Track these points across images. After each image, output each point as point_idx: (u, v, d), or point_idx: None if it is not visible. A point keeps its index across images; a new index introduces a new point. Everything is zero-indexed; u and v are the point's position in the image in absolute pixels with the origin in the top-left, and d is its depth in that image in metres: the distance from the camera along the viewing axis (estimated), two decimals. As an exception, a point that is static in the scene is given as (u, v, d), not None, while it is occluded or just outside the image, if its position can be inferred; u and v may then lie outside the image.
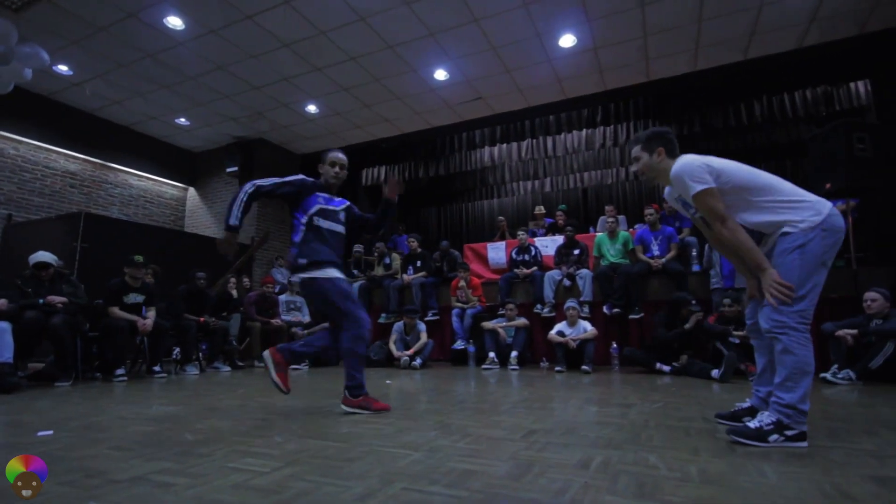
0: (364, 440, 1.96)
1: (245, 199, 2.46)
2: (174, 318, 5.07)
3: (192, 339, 5.13)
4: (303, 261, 2.55)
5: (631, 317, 5.30)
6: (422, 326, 5.69)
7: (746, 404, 2.20)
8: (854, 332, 3.89)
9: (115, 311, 4.48)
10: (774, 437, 1.79)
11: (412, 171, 9.04)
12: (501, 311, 5.68)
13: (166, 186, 9.15)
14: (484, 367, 5.28)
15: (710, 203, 1.94)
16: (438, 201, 11.68)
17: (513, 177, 10.14)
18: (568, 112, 7.63)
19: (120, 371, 4.34)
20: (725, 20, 5.49)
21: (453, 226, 11.56)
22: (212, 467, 1.58)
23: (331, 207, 2.72)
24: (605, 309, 5.43)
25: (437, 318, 6.30)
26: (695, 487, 1.36)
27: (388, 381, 4.20)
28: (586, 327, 4.98)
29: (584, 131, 7.77)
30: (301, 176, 2.68)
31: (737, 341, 4.19)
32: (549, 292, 5.75)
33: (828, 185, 4.65)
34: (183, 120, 8.00)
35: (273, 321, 6.07)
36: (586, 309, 5.46)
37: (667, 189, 2.26)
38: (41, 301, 4.07)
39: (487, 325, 5.53)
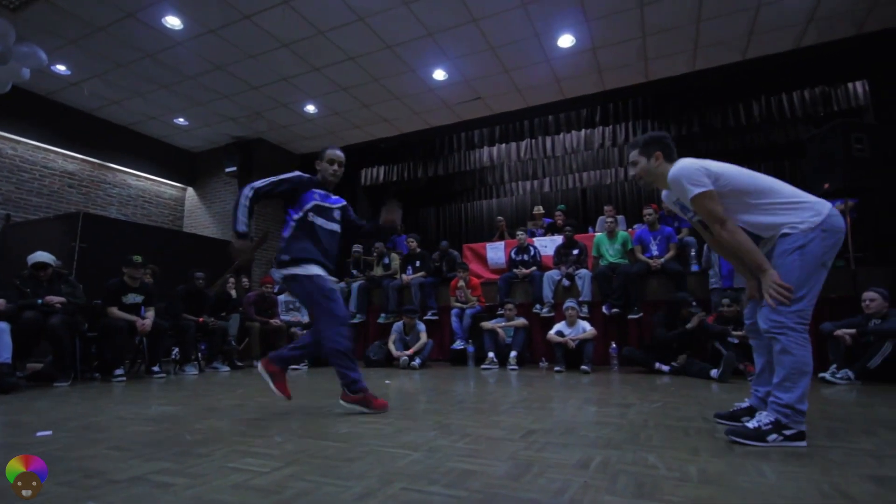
0: (363, 440, 1.96)
1: (247, 203, 2.46)
2: (173, 319, 5.06)
3: (190, 340, 5.12)
4: (285, 257, 2.55)
5: (630, 317, 5.30)
6: (421, 326, 5.69)
7: (745, 404, 2.20)
8: (852, 331, 3.90)
9: (114, 311, 4.47)
10: (773, 436, 1.80)
11: (411, 171, 9.04)
12: (500, 311, 5.68)
13: (165, 186, 9.13)
14: (483, 367, 5.28)
15: (708, 206, 1.94)
16: (437, 201, 11.68)
17: (512, 177, 10.14)
18: (567, 112, 7.64)
19: (119, 371, 4.33)
20: (724, 21, 5.50)
21: (452, 226, 11.56)
22: (211, 467, 1.58)
23: (327, 205, 2.72)
24: (604, 309, 5.44)
25: (435, 318, 6.30)
26: (694, 487, 1.37)
27: (387, 381, 4.20)
28: (585, 327, 4.98)
29: (582, 131, 7.77)
30: (297, 172, 2.68)
31: (735, 341, 4.19)
32: (548, 292, 5.75)
33: (826, 186, 4.66)
34: (181, 120, 7.99)
35: (272, 321, 6.07)
36: (585, 309, 5.46)
37: (664, 193, 2.26)
38: (40, 301, 4.07)
39: (486, 325, 5.53)
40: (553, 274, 5.83)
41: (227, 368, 5.45)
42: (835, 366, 3.89)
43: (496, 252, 6.99)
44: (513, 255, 6.31)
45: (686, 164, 2.00)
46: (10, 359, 3.66)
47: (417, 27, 5.57)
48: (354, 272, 7.17)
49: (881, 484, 1.39)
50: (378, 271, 7.07)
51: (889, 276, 4.56)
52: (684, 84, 6.74)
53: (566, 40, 5.85)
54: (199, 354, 5.39)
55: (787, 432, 1.80)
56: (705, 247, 5.23)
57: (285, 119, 7.95)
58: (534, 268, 6.05)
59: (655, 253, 5.51)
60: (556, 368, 4.91)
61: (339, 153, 2.79)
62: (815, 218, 1.86)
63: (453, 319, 5.92)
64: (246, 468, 1.57)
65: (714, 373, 4.00)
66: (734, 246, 1.95)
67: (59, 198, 7.40)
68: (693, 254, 5.57)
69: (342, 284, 6.81)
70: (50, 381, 4.02)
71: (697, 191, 1.93)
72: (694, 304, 4.57)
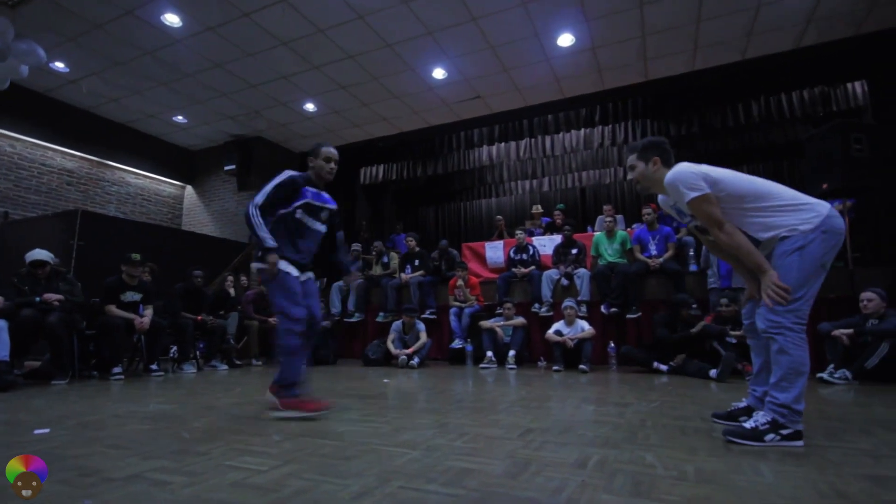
0: (361, 439, 1.96)
1: (260, 220, 2.48)
2: (171, 317, 5.05)
3: (189, 338, 5.12)
4: (258, 252, 2.56)
5: (628, 316, 5.31)
6: (421, 326, 5.69)
7: (743, 404, 2.21)
8: (850, 331, 3.90)
9: (112, 309, 4.47)
10: (770, 436, 1.80)
11: (410, 169, 9.03)
12: (499, 311, 5.68)
13: (164, 184, 9.12)
14: (482, 366, 5.28)
15: (705, 209, 1.95)
16: (436, 200, 11.68)
17: (511, 176, 10.14)
18: (566, 111, 7.63)
19: (117, 369, 4.32)
20: (723, 20, 5.50)
21: (451, 225, 11.56)
22: (209, 466, 1.58)
23: (318, 203, 2.70)
24: (602, 308, 5.44)
25: (434, 317, 6.30)
26: (691, 486, 1.37)
27: (385, 381, 4.20)
28: (584, 326, 4.99)
29: (582, 131, 7.77)
30: (288, 174, 2.63)
31: (734, 341, 4.20)
32: (546, 291, 5.75)
33: (824, 186, 4.67)
34: (180, 118, 7.98)
35: (271, 319, 6.06)
36: (584, 308, 5.46)
37: (661, 197, 2.26)
38: (37, 299, 4.06)
39: (485, 324, 5.53)
40: (552, 273, 5.83)
41: (226, 367, 5.45)
42: (832, 366, 3.90)
43: (495, 251, 6.99)
44: (512, 254, 6.31)
45: (683, 168, 2.00)
46: (8, 356, 3.65)
47: (417, 26, 5.56)
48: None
49: (878, 483, 1.39)
50: (377, 270, 7.07)
51: (887, 277, 4.57)
52: (684, 84, 6.74)
53: (566, 39, 5.85)
54: (198, 353, 5.39)
55: (784, 432, 1.80)
56: (704, 247, 5.24)
57: (284, 117, 7.94)
58: (532, 267, 6.05)
59: (654, 252, 5.51)
60: (555, 368, 4.91)
61: (335, 151, 2.79)
62: (815, 219, 1.86)
63: (452, 318, 5.92)
64: (244, 466, 1.57)
65: (713, 373, 4.01)
66: (733, 248, 1.95)
67: (57, 195, 7.38)
68: (692, 253, 5.57)
69: (353, 284, 6.80)
70: (48, 379, 4.01)
71: (694, 194, 1.93)
72: (694, 305, 4.58)
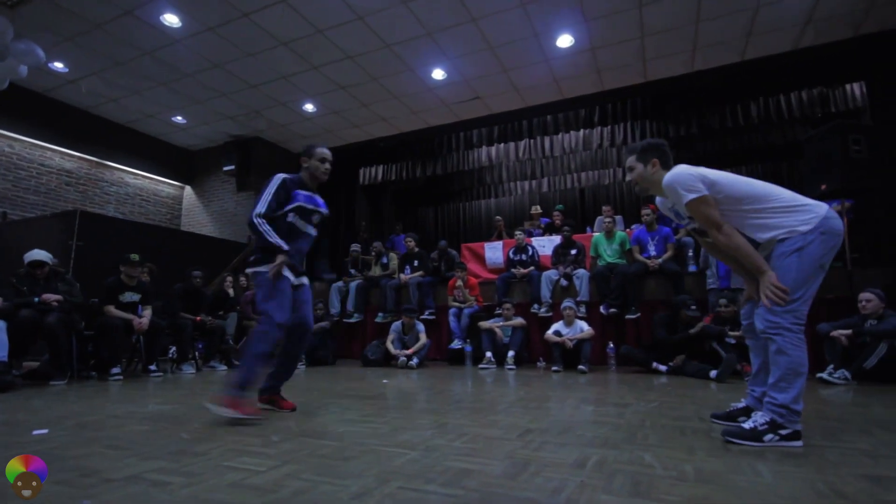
0: (360, 439, 1.96)
1: (267, 226, 2.49)
2: (170, 317, 5.04)
3: (188, 338, 5.11)
4: (251, 258, 2.56)
5: (628, 317, 5.31)
6: (420, 326, 5.69)
7: (741, 404, 2.21)
8: (848, 332, 3.91)
9: (111, 309, 4.46)
10: (769, 436, 1.81)
11: (409, 170, 9.03)
12: (498, 311, 5.68)
13: (163, 185, 9.12)
14: (481, 366, 5.28)
15: (703, 211, 1.95)
16: (436, 201, 11.69)
17: (510, 177, 10.15)
18: (565, 112, 7.64)
19: (115, 370, 4.31)
20: (722, 21, 5.51)
21: (450, 225, 11.57)
22: (208, 466, 1.58)
23: (310, 207, 2.67)
24: (601, 309, 5.44)
25: (433, 317, 6.30)
26: (690, 486, 1.37)
27: (384, 381, 4.20)
28: (583, 327, 4.99)
29: (581, 131, 7.78)
30: (281, 177, 2.62)
31: (733, 342, 4.20)
32: (546, 292, 5.75)
33: (823, 187, 4.68)
34: (180, 118, 7.98)
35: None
36: (583, 309, 5.46)
37: (659, 199, 2.27)
38: (36, 299, 4.05)
39: (484, 324, 5.53)
40: (551, 274, 5.84)
41: (225, 367, 5.44)
42: (832, 366, 3.91)
43: (494, 252, 7.00)
44: (511, 254, 6.32)
45: (681, 170, 2.00)
46: (7, 357, 3.64)
47: (416, 26, 5.57)
48: (352, 271, 7.17)
49: (876, 483, 1.40)
50: (376, 271, 7.06)
51: (885, 277, 4.58)
52: (683, 84, 6.74)
53: (565, 40, 5.86)
54: (197, 353, 5.38)
55: (783, 432, 1.81)
56: (703, 247, 5.24)
57: (284, 118, 7.93)
58: (532, 267, 6.05)
59: (653, 253, 5.52)
60: (554, 368, 4.91)
61: (328, 151, 2.79)
62: (813, 220, 1.87)
63: (451, 319, 5.92)
64: (242, 467, 1.57)
65: (713, 373, 4.01)
66: (732, 249, 1.95)
67: (56, 196, 7.38)
68: (690, 254, 5.57)
69: (352, 284, 6.81)
70: (46, 379, 4.00)
71: (692, 196, 1.94)
72: (693, 306, 4.58)
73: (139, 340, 4.79)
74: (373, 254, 7.32)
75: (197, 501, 1.28)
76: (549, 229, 7.78)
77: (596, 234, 6.16)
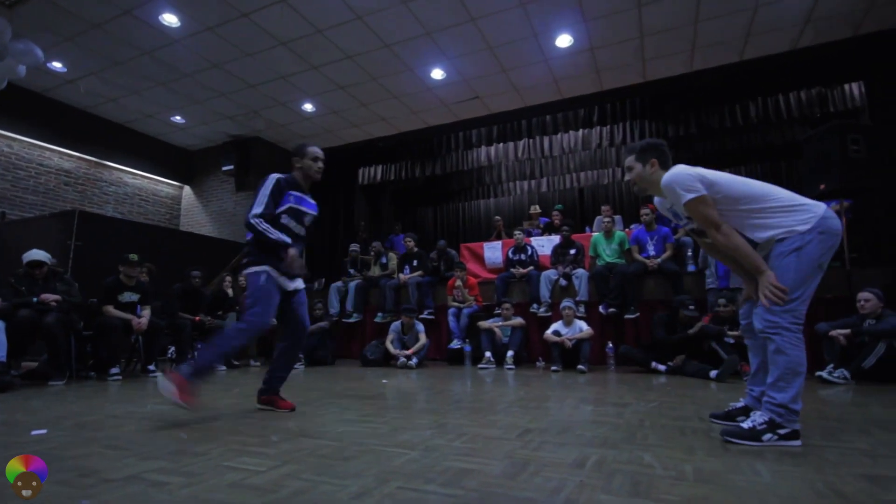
0: (360, 439, 1.96)
1: (267, 225, 2.50)
2: (169, 317, 5.04)
3: (187, 338, 5.11)
4: (245, 260, 2.57)
5: (627, 317, 5.31)
6: (420, 326, 5.68)
7: (740, 404, 2.21)
8: (847, 332, 3.92)
9: (110, 309, 4.46)
10: (768, 436, 1.81)
11: (409, 170, 9.02)
12: (498, 311, 5.68)
13: (161, 185, 9.11)
14: (480, 366, 5.28)
15: (702, 210, 1.95)
16: (435, 201, 11.68)
17: (509, 176, 10.14)
18: (564, 112, 7.64)
19: (114, 370, 4.31)
20: (721, 21, 5.51)
21: (450, 225, 11.56)
22: (207, 466, 1.58)
23: (302, 208, 2.67)
24: (601, 309, 5.44)
25: (432, 317, 6.30)
26: (689, 486, 1.37)
27: (384, 381, 4.20)
28: (582, 327, 4.99)
29: (580, 131, 7.78)
30: (275, 177, 2.62)
31: (732, 341, 4.21)
32: (545, 292, 5.76)
33: (822, 186, 4.69)
34: (178, 118, 7.97)
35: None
36: (582, 309, 5.46)
37: (658, 199, 2.27)
38: (35, 299, 4.04)
39: (484, 324, 5.53)
40: (550, 273, 5.84)
41: (224, 368, 5.43)
42: (831, 365, 3.91)
43: (493, 251, 7.00)
44: (510, 254, 6.32)
45: (680, 170, 2.01)
46: (5, 357, 3.64)
47: (415, 26, 5.57)
48: (352, 271, 7.17)
49: (875, 483, 1.40)
50: (375, 271, 7.06)
51: (884, 277, 4.58)
52: (682, 84, 6.75)
53: (564, 40, 5.86)
54: (196, 353, 5.38)
55: (782, 431, 1.81)
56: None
57: (283, 118, 7.93)
58: (531, 267, 6.05)
59: (652, 253, 5.52)
60: (553, 368, 4.91)
61: (321, 150, 2.79)
62: (811, 220, 1.87)
63: (450, 319, 5.92)
64: (242, 467, 1.57)
65: (713, 373, 4.01)
66: (730, 249, 1.95)
67: (54, 196, 7.36)
68: (689, 254, 5.58)
69: (351, 284, 6.81)
70: (45, 379, 4.00)
71: (691, 196, 1.94)
72: (692, 306, 4.58)
73: (138, 340, 4.79)
74: (372, 254, 7.32)
75: (196, 501, 1.28)
76: (549, 229, 7.79)
77: (595, 234, 6.16)
